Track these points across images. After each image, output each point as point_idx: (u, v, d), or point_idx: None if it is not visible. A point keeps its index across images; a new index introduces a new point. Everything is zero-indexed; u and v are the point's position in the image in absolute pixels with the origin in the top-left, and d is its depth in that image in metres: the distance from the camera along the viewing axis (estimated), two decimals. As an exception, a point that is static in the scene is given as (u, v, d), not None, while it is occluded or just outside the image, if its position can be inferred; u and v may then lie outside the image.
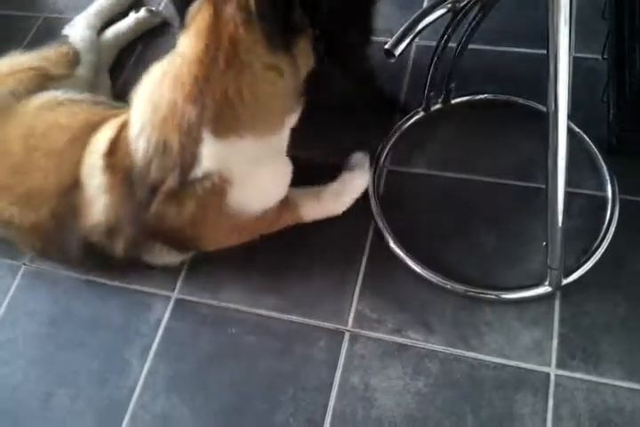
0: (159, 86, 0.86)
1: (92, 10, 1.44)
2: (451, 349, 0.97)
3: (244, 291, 1.07)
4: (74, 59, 1.26)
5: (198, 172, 0.87)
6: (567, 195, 0.87)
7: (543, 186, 0.88)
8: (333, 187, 1.10)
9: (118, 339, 1.05)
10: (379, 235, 1.08)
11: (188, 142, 0.85)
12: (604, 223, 1.03)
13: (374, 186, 1.12)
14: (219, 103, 0.82)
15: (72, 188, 0.95)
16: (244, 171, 0.90)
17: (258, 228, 1.02)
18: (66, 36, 1.34)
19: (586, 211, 1.06)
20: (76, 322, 1.09)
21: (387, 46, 0.97)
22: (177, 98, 0.83)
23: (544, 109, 0.82)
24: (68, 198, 0.96)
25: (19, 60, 1.18)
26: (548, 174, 0.85)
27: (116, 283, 1.11)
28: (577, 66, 1.20)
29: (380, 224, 1.08)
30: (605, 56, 1.17)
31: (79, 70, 1.25)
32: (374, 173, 1.14)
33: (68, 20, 1.41)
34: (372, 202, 1.10)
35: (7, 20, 1.60)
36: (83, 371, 1.03)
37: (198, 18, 0.83)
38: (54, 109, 1.07)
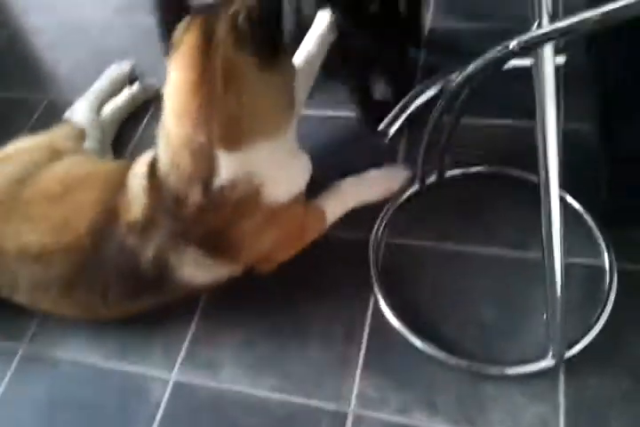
0: (168, 118, 0.94)
1: (91, 93, 1.49)
2: (455, 427, 0.94)
3: (244, 371, 1.05)
4: (80, 135, 1.32)
5: (222, 181, 0.92)
6: (564, 265, 0.87)
7: (540, 256, 0.89)
8: (361, 176, 1.20)
9: (116, 424, 1.03)
10: (379, 309, 1.07)
11: (201, 161, 0.92)
12: (603, 294, 1.03)
13: (374, 258, 1.13)
14: (224, 124, 0.89)
15: (115, 193, 1.01)
16: (271, 169, 0.96)
17: (290, 222, 1.06)
18: (68, 119, 1.40)
19: (584, 281, 1.05)
20: (74, 407, 1.06)
21: (379, 127, 1.02)
22: (186, 128, 0.91)
23: (536, 180, 0.84)
24: (109, 204, 1.01)
25: (27, 141, 1.25)
26: (543, 245, 0.85)
27: (114, 365, 1.10)
28: (567, 137, 1.21)
29: (380, 298, 1.07)
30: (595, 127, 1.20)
31: (86, 144, 1.31)
32: (373, 245, 1.14)
33: (71, 102, 1.46)
34: (372, 275, 1.11)
35: (12, 102, 1.65)
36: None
37: (186, 41, 0.90)
38: (85, 162, 1.16)
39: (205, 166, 0.92)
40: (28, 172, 1.12)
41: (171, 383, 1.06)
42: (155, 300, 1.07)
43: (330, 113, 1.39)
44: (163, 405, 1.03)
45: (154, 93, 1.51)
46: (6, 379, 1.12)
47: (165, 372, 1.07)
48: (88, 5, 1.89)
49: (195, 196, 0.93)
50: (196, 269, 1.01)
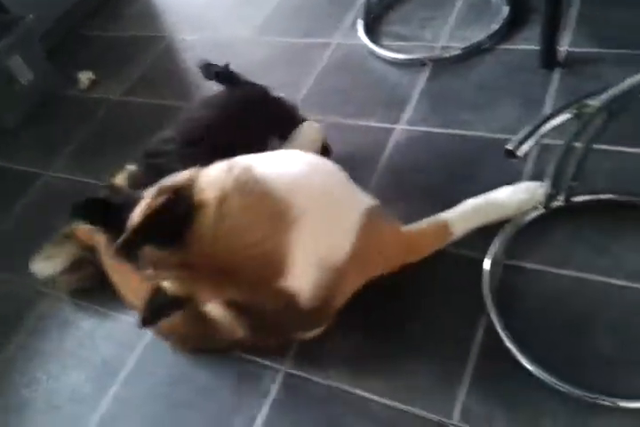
0: None
1: None
2: (565, 456, 0.91)
3: (353, 371, 1.08)
4: None
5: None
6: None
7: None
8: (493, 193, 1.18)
9: (228, 406, 1.10)
10: (491, 328, 1.06)
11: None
12: None
13: (489, 278, 1.12)
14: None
15: None
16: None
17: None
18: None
19: None
20: (191, 386, 1.15)
21: (508, 147, 1.01)
22: None
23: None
24: None
25: None
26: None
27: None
28: None
29: (494, 318, 1.06)
30: None
31: None
32: (489, 264, 1.14)
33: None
34: (486, 294, 1.10)
35: (163, 109, 1.80)
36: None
37: None
38: None
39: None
40: None
41: (281, 374, 1.11)
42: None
43: (457, 133, 1.42)
44: (272, 394, 1.09)
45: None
46: (135, 352, 1.23)
47: (278, 362, 1.13)
48: (234, 25, 2.07)
49: None
50: None
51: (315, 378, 1.09)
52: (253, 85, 1.39)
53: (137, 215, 0.90)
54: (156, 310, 0.93)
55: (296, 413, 1.06)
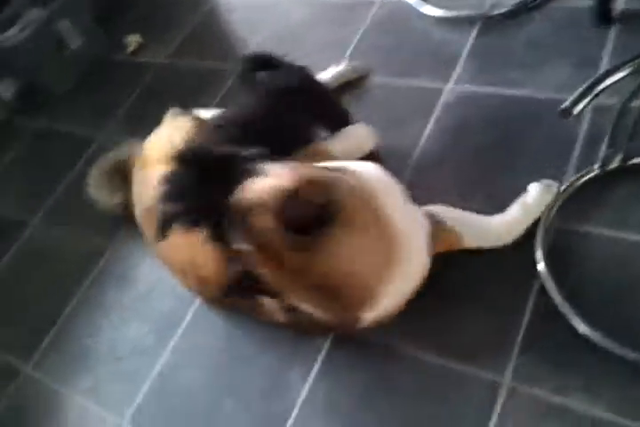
0: None
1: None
2: (617, 418, 0.91)
3: (405, 331, 1.10)
4: None
5: None
6: None
7: None
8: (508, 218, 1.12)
9: (282, 361, 1.14)
10: (544, 290, 1.06)
11: None
12: None
13: (543, 240, 1.11)
14: None
15: None
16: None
17: None
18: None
19: None
20: (247, 340, 1.20)
21: (563, 106, 0.99)
22: None
23: None
24: None
25: None
26: None
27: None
28: None
29: (546, 280, 1.06)
30: None
31: None
32: (543, 227, 1.12)
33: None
34: (539, 257, 1.09)
35: (205, 72, 1.81)
36: (250, 385, 1.14)
37: None
38: None
39: None
40: None
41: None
42: None
43: (508, 93, 1.39)
44: (324, 350, 1.13)
45: (358, 75, 1.58)
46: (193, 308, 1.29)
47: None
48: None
49: None
50: None
51: (367, 335, 1.11)
52: (293, 71, 1.33)
53: (267, 192, 0.83)
54: (241, 288, 0.97)
55: (348, 369, 1.10)
